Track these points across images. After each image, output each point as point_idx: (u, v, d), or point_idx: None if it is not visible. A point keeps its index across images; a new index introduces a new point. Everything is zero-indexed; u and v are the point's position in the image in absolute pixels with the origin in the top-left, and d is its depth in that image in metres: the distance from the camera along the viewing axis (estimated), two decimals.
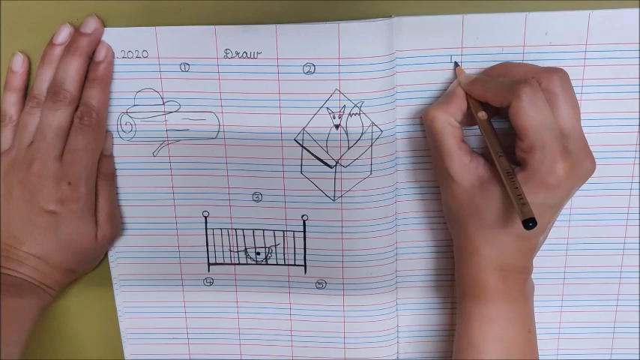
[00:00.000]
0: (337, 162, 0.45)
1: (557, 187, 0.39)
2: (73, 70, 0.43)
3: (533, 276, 0.44)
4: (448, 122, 0.41)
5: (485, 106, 0.42)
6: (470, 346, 0.43)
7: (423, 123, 0.43)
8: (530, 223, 0.37)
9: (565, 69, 0.43)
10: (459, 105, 0.42)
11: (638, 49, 0.43)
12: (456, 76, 0.44)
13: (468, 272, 0.43)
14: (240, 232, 0.48)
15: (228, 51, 0.44)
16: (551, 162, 0.38)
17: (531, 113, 0.38)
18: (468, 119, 0.42)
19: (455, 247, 0.45)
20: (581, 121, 0.40)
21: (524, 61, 0.43)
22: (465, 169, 0.41)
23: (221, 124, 0.46)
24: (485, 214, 0.41)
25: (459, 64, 0.44)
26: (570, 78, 0.41)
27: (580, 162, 0.39)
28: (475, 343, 0.43)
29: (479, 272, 0.42)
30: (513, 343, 0.43)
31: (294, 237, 0.48)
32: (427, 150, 0.46)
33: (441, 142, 0.41)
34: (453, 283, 0.49)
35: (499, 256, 0.42)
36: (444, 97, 0.43)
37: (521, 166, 0.40)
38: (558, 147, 0.38)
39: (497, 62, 0.43)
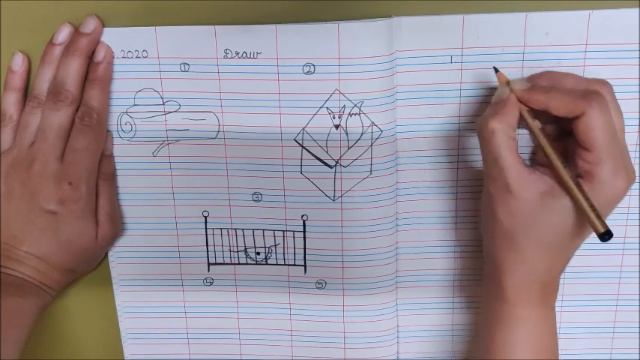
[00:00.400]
0: (337, 162, 0.45)
1: (616, 200, 0.39)
2: (74, 70, 0.43)
3: None
4: (507, 134, 0.40)
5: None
6: (503, 348, 0.43)
7: (479, 134, 0.41)
8: (606, 235, 0.37)
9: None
10: (515, 114, 0.40)
11: (638, 49, 0.43)
12: (500, 82, 0.42)
13: (510, 282, 0.42)
14: (240, 232, 0.48)
15: (228, 51, 0.44)
16: (616, 175, 0.38)
17: (604, 125, 0.38)
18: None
19: (491, 265, 0.43)
20: None
21: (525, 61, 0.43)
22: (525, 182, 0.40)
23: (221, 124, 0.46)
24: (546, 228, 0.40)
25: (499, 69, 0.43)
26: None
27: (630, 173, 0.40)
28: (507, 346, 0.42)
29: (521, 284, 0.42)
30: (541, 348, 0.43)
31: (294, 237, 0.48)
32: (427, 150, 0.46)
33: (500, 155, 0.40)
34: (454, 283, 0.49)
35: (547, 270, 0.42)
36: (497, 106, 0.41)
37: (585, 178, 0.39)
38: (623, 161, 0.39)
39: (497, 62, 0.43)
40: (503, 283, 0.42)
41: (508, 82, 0.41)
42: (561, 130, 0.42)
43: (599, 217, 0.37)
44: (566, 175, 0.39)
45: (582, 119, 0.38)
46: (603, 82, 0.40)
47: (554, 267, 0.42)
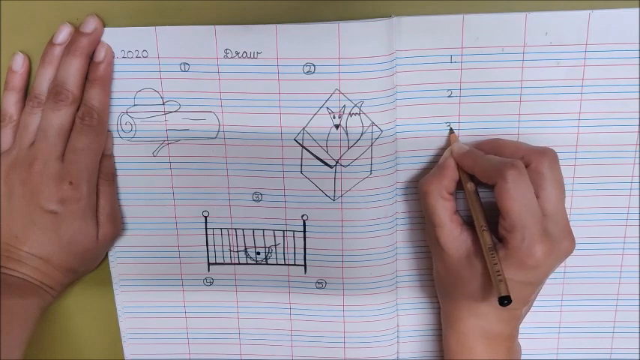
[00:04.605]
0: (337, 162, 0.45)
1: (536, 267, 0.40)
2: (74, 69, 0.43)
3: None
4: (441, 195, 0.43)
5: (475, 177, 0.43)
6: None
7: (419, 193, 0.45)
8: (505, 300, 0.38)
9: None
10: (452, 176, 0.43)
11: (638, 49, 0.43)
12: (449, 142, 0.45)
13: (454, 338, 0.44)
14: (240, 232, 0.48)
15: (228, 51, 0.44)
16: (530, 244, 0.39)
17: (514, 195, 0.39)
18: (460, 186, 0.44)
19: (442, 313, 0.46)
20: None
21: (525, 61, 0.43)
22: (455, 240, 0.42)
23: (221, 124, 0.46)
24: (469, 285, 0.42)
25: (454, 130, 0.45)
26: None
27: (559, 243, 0.41)
28: None
29: (464, 339, 0.44)
30: None
31: (294, 237, 0.48)
32: (427, 149, 0.46)
33: (433, 214, 0.43)
34: None
35: (482, 325, 0.43)
36: (437, 168, 0.44)
37: (503, 244, 0.41)
38: (538, 229, 0.40)
39: (497, 62, 0.43)
40: (445, 334, 0.45)
41: (450, 142, 0.44)
42: None
43: (501, 280, 0.39)
44: (480, 236, 0.41)
45: (496, 188, 0.40)
46: (543, 152, 0.42)
47: (494, 323, 0.43)
